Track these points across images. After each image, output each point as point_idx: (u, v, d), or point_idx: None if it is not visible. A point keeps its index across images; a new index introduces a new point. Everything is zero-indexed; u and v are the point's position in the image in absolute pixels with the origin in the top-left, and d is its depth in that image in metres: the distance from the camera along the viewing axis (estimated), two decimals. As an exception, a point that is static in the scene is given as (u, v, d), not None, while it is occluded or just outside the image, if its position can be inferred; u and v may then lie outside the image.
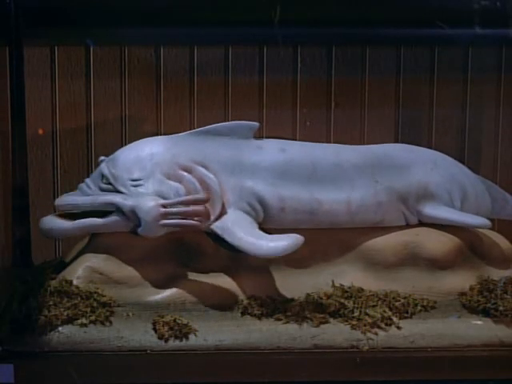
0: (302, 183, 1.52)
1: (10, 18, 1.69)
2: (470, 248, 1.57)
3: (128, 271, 1.47)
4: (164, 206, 1.44)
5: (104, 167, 1.53)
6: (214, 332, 1.42)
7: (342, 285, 1.49)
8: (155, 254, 1.49)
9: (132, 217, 1.44)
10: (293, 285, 1.49)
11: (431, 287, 1.51)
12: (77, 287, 1.44)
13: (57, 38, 1.84)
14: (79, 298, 1.43)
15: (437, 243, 1.54)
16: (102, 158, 1.56)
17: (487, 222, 1.55)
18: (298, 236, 1.42)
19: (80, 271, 1.46)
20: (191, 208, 1.44)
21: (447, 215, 1.57)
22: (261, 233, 1.46)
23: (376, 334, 1.43)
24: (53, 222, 1.52)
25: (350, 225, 1.54)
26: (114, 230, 1.48)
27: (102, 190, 1.51)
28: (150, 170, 1.50)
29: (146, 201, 1.44)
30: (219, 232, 1.46)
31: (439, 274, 1.52)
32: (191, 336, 1.41)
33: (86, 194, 1.52)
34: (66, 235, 1.55)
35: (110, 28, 1.82)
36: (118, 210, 1.46)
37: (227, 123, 1.57)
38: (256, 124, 1.56)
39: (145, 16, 1.80)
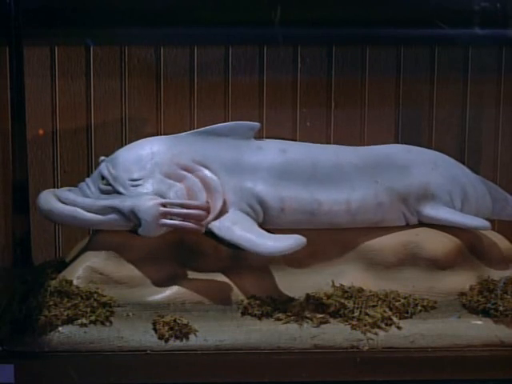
0: (302, 184, 1.51)
1: (10, 18, 1.70)
2: (470, 248, 1.57)
3: (128, 271, 1.47)
4: (164, 206, 1.43)
5: (103, 168, 1.51)
6: (214, 332, 1.42)
7: (342, 285, 1.49)
8: (155, 254, 1.49)
9: (132, 217, 1.44)
10: (293, 285, 1.49)
11: (431, 287, 1.51)
12: (77, 287, 1.44)
13: (57, 38, 1.84)
14: (79, 298, 1.42)
15: (437, 243, 1.54)
16: (103, 158, 1.55)
17: (487, 224, 1.55)
18: (301, 237, 1.42)
19: (80, 271, 1.46)
20: (192, 211, 1.44)
21: (447, 216, 1.57)
22: (262, 231, 1.46)
23: (376, 334, 1.43)
24: (52, 203, 1.49)
25: (349, 225, 1.54)
26: (114, 229, 1.47)
27: (102, 191, 1.50)
28: (149, 170, 1.49)
29: (145, 200, 1.43)
30: (216, 231, 1.46)
31: (439, 274, 1.52)
32: (191, 336, 1.41)
33: (86, 195, 1.51)
34: (61, 220, 1.51)
35: (110, 28, 1.82)
36: (118, 211, 1.45)
37: (228, 123, 1.57)
38: (257, 124, 1.56)
39: (145, 16, 1.80)
